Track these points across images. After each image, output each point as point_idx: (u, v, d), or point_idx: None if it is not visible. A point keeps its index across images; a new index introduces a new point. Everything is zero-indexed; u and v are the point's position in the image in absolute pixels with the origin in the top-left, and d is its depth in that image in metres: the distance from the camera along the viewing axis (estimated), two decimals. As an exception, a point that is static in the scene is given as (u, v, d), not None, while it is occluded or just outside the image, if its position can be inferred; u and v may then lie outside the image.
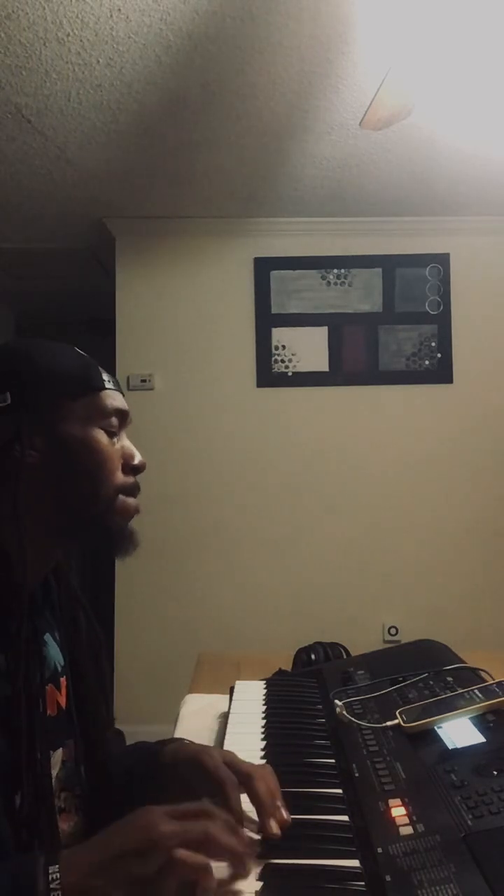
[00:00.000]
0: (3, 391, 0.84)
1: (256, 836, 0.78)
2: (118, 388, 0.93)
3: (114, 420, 0.90)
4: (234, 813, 0.77)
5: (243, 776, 0.83)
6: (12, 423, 0.83)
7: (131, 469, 0.92)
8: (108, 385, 0.91)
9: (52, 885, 0.62)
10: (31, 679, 0.81)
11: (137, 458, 0.93)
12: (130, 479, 0.92)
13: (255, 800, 0.81)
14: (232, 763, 0.85)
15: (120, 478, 0.90)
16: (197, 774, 0.85)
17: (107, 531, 0.90)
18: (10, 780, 0.76)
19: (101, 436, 0.89)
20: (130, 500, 0.91)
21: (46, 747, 0.83)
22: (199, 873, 0.64)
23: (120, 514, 0.90)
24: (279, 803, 0.81)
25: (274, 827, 0.78)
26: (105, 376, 0.91)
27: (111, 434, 0.90)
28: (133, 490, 0.92)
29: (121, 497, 0.90)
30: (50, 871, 0.63)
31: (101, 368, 0.92)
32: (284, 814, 0.80)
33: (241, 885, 0.70)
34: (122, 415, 0.92)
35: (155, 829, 0.66)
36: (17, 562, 0.81)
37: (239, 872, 0.70)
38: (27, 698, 0.78)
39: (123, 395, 0.94)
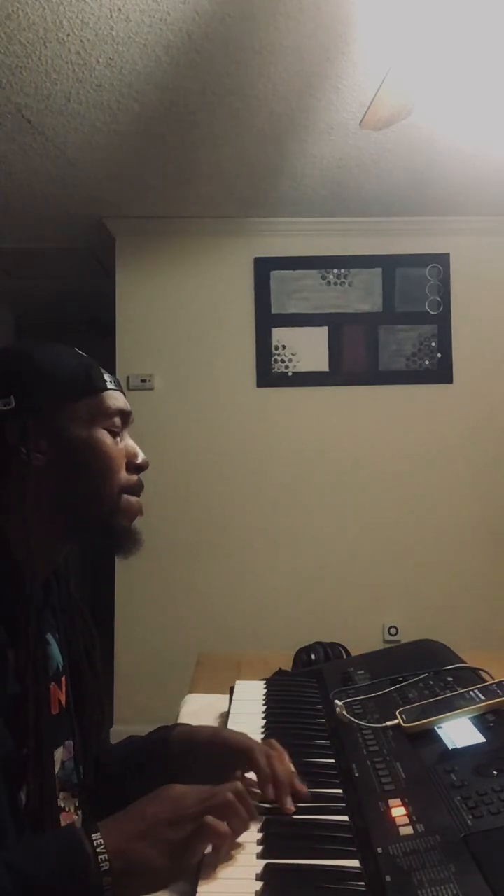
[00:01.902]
0: (6, 395, 0.85)
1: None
2: (120, 387, 0.94)
3: (116, 420, 0.91)
4: (263, 773, 0.86)
5: (266, 754, 0.89)
6: (17, 426, 0.84)
7: (135, 468, 0.93)
8: (109, 385, 0.92)
9: (98, 850, 0.67)
10: (39, 677, 0.81)
11: (141, 457, 0.94)
12: (134, 478, 0.93)
13: (274, 776, 0.87)
14: (251, 738, 0.93)
15: (124, 477, 0.91)
16: (217, 750, 0.92)
17: (111, 531, 0.91)
18: (16, 777, 0.77)
19: (105, 436, 0.89)
20: (134, 500, 0.93)
21: (51, 745, 0.83)
22: (223, 839, 0.72)
23: (124, 513, 0.91)
24: (295, 780, 0.87)
25: (290, 803, 0.84)
26: (107, 377, 0.92)
27: (114, 434, 0.91)
28: (137, 489, 0.93)
29: (125, 496, 0.91)
30: (94, 838, 0.68)
31: (102, 369, 0.92)
32: (301, 786, 0.86)
33: (241, 886, 0.70)
34: (125, 414, 0.93)
35: (182, 799, 0.74)
36: (24, 562, 0.82)
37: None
38: (35, 696, 0.79)
39: (125, 395, 0.95)
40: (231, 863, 0.73)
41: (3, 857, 0.66)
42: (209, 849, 0.73)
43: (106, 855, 0.67)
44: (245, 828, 0.76)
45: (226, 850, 0.73)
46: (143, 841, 0.69)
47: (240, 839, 0.76)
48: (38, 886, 0.65)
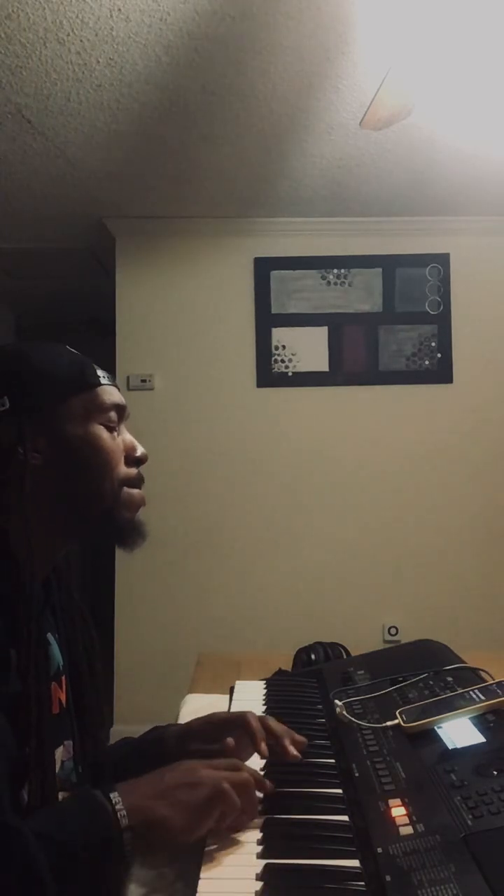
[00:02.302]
0: (0, 396, 0.85)
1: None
2: (114, 382, 0.95)
3: (112, 414, 0.91)
4: (257, 733, 0.91)
5: (258, 717, 0.95)
6: (14, 426, 0.84)
7: (134, 461, 0.94)
8: (103, 380, 0.92)
9: (117, 807, 0.71)
10: (40, 676, 0.81)
11: (140, 450, 0.94)
12: (134, 471, 0.93)
13: (270, 731, 0.93)
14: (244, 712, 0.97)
15: (123, 470, 0.92)
16: (216, 727, 0.95)
17: (115, 525, 0.91)
18: (18, 776, 0.77)
19: (102, 431, 0.90)
20: (136, 492, 0.93)
21: (52, 745, 0.84)
22: (234, 809, 0.76)
23: (126, 506, 0.92)
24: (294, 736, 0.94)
25: (293, 750, 0.91)
26: (100, 372, 0.92)
27: (111, 429, 0.91)
28: (137, 482, 0.94)
29: (126, 489, 0.92)
30: (112, 797, 0.72)
31: (95, 365, 0.93)
32: (298, 736, 0.94)
33: (241, 886, 0.70)
34: (121, 409, 0.93)
35: (199, 769, 0.78)
36: (24, 562, 0.82)
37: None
38: (37, 695, 0.79)
39: (119, 389, 0.95)
40: (231, 863, 0.73)
41: (29, 826, 0.68)
42: (212, 849, 0.74)
43: (125, 811, 0.71)
44: (251, 809, 0.80)
45: (227, 826, 0.77)
46: (159, 800, 0.74)
47: (241, 838, 0.77)
48: (66, 848, 0.68)
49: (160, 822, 0.72)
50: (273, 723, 0.94)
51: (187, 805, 0.74)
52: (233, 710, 1.22)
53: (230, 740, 0.89)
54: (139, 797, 0.73)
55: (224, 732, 0.93)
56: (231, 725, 0.94)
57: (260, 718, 0.95)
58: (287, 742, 0.91)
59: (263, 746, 0.90)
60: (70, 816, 0.72)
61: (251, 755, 0.93)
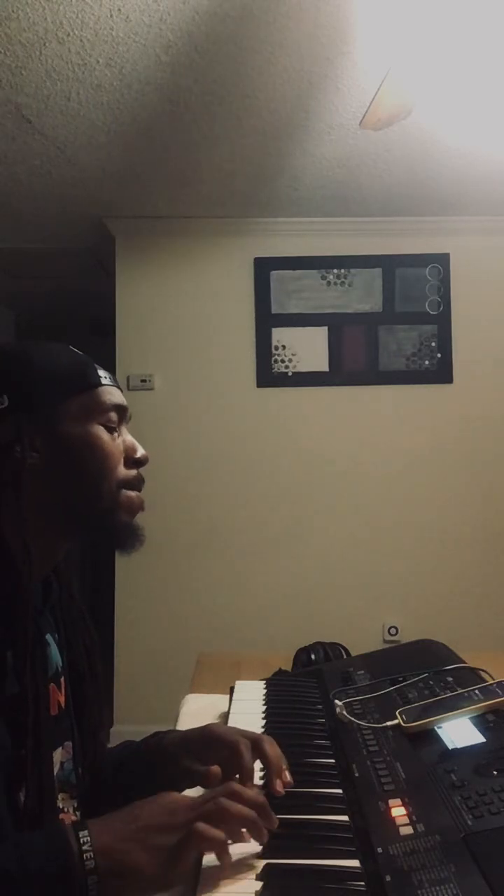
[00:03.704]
0: (0, 394, 0.84)
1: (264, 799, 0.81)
2: (115, 383, 0.93)
3: (113, 415, 0.90)
4: (246, 770, 0.85)
5: (253, 739, 0.89)
6: (12, 425, 0.84)
7: (134, 462, 0.92)
8: (104, 381, 0.91)
9: (84, 847, 0.66)
10: (38, 677, 0.81)
11: (140, 452, 0.93)
12: (133, 473, 0.92)
13: (265, 760, 0.87)
14: (240, 731, 0.91)
15: (123, 472, 0.91)
16: (209, 743, 0.91)
17: (112, 527, 0.90)
18: (15, 778, 0.76)
19: (102, 432, 0.89)
20: (134, 494, 0.92)
21: (49, 746, 0.83)
22: (215, 846, 0.70)
23: (125, 508, 0.90)
24: (284, 766, 0.87)
25: (280, 786, 0.84)
26: (101, 372, 0.91)
27: (111, 429, 0.90)
28: (137, 484, 0.92)
29: (124, 492, 0.90)
30: (80, 836, 0.67)
31: (96, 365, 0.92)
32: (288, 776, 0.86)
33: (241, 886, 0.70)
34: (121, 410, 0.92)
35: (176, 805, 0.72)
36: (23, 563, 0.82)
37: (256, 838, 0.74)
38: (34, 696, 0.79)
39: (121, 390, 0.94)
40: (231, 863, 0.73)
41: None
42: (213, 857, 0.71)
43: (91, 853, 0.66)
44: (245, 825, 0.73)
45: (227, 857, 0.70)
46: (131, 843, 0.68)
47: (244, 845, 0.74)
48: (23, 888, 0.64)
49: (130, 868, 0.67)
50: (269, 749, 0.88)
51: (161, 849, 0.68)
52: (233, 710, 1.22)
53: (215, 770, 0.82)
54: (110, 838, 0.68)
55: (217, 752, 0.88)
56: (224, 745, 0.88)
57: (255, 743, 0.88)
58: (275, 776, 0.85)
59: (277, 785, 0.84)
60: (34, 853, 0.67)
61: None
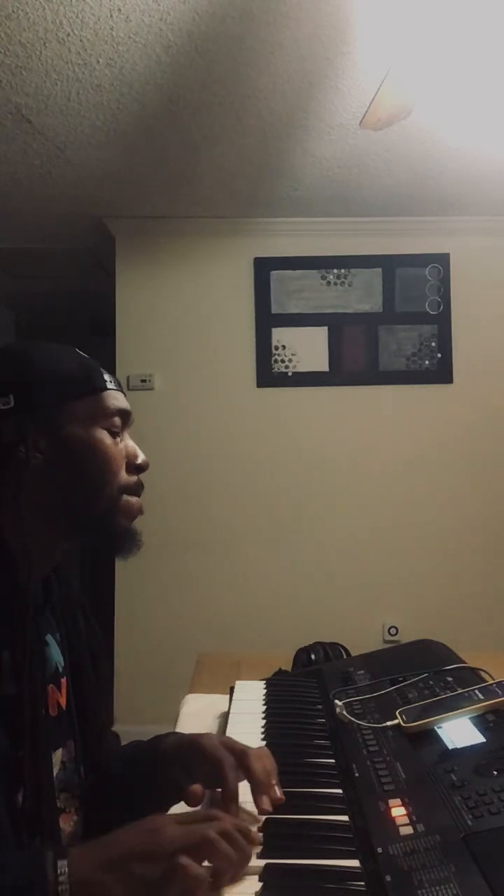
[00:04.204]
0: (6, 394, 0.84)
1: (256, 828, 0.78)
2: (120, 387, 0.94)
3: (116, 420, 0.90)
4: (230, 791, 0.81)
5: (239, 755, 0.85)
6: (16, 425, 0.84)
7: (135, 468, 0.93)
8: (109, 385, 0.91)
9: (60, 878, 0.64)
10: (35, 678, 0.81)
11: (141, 458, 0.93)
12: (134, 479, 0.92)
13: (250, 777, 0.83)
14: (228, 744, 0.87)
15: (124, 477, 0.91)
16: (196, 758, 0.87)
17: (110, 531, 0.90)
18: (12, 779, 0.76)
19: (105, 436, 0.89)
20: (134, 500, 0.92)
21: (48, 747, 0.83)
22: (197, 883, 0.65)
23: (124, 513, 0.91)
24: (274, 781, 0.83)
25: (266, 803, 0.80)
26: (107, 376, 0.92)
27: (114, 434, 0.90)
28: (137, 489, 0.93)
29: (125, 497, 0.91)
30: (59, 866, 0.65)
31: (102, 369, 0.92)
32: (278, 791, 0.82)
33: (242, 886, 0.70)
34: (125, 414, 0.92)
35: (161, 833, 0.68)
36: (21, 562, 0.82)
37: (234, 877, 0.71)
38: (31, 697, 0.79)
39: (125, 395, 0.94)
40: None
41: None
42: None
43: (67, 886, 0.63)
44: (234, 864, 0.70)
45: (214, 891, 0.67)
46: (109, 874, 0.65)
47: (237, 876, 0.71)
48: None
49: None
50: (254, 765, 0.83)
51: (141, 881, 0.65)
52: (233, 710, 1.22)
53: (196, 790, 0.79)
54: (89, 868, 0.65)
55: (203, 766, 0.86)
56: (208, 761, 0.85)
57: (240, 759, 0.84)
58: (260, 794, 0.81)
59: (264, 802, 0.80)
60: (7, 875, 0.65)
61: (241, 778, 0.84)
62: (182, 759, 0.90)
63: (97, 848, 0.68)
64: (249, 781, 0.83)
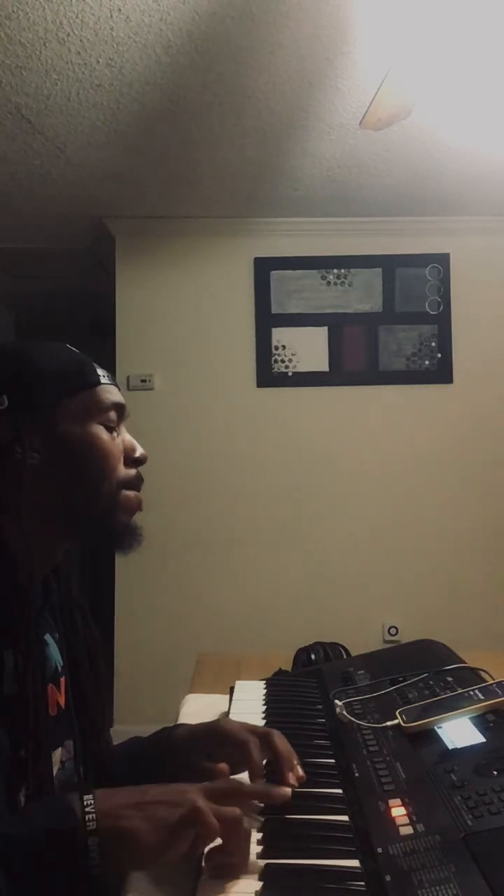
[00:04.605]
0: (0, 394, 0.84)
1: (258, 827, 0.79)
2: (114, 381, 0.93)
3: (112, 414, 0.90)
4: (255, 768, 0.84)
5: (263, 736, 0.88)
6: (11, 425, 0.83)
7: (133, 462, 0.92)
8: (103, 380, 0.91)
9: (87, 808, 0.67)
10: (36, 678, 0.81)
11: (139, 451, 0.93)
12: (133, 472, 0.92)
13: (276, 755, 0.86)
14: (250, 727, 0.90)
15: (122, 471, 0.90)
16: (218, 741, 0.89)
17: (111, 527, 0.90)
18: (15, 779, 0.76)
19: (101, 431, 0.89)
20: (133, 494, 0.92)
21: (48, 747, 0.83)
22: (209, 829, 0.69)
23: (124, 508, 0.90)
24: (295, 761, 0.86)
25: (293, 779, 0.84)
26: (100, 371, 0.91)
27: (110, 429, 0.90)
28: (136, 483, 0.92)
29: (124, 492, 0.90)
30: (85, 799, 0.68)
31: (95, 364, 0.92)
32: (300, 770, 0.85)
33: (241, 886, 0.70)
34: (120, 408, 0.92)
35: (185, 787, 0.73)
36: (21, 562, 0.82)
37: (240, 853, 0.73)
38: (33, 697, 0.79)
39: (119, 389, 0.94)
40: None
41: None
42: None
43: (94, 815, 0.67)
44: (242, 818, 0.73)
45: (221, 870, 0.71)
46: (133, 810, 0.69)
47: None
48: (24, 846, 0.64)
49: (129, 833, 0.67)
50: (279, 744, 0.88)
51: (162, 821, 0.68)
52: (233, 710, 1.22)
53: (223, 767, 0.82)
54: (114, 804, 0.69)
55: (225, 748, 0.88)
56: (233, 742, 0.88)
57: (265, 738, 0.88)
58: (287, 770, 0.85)
59: (290, 777, 0.84)
60: (36, 815, 0.69)
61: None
62: (199, 746, 0.91)
63: (121, 792, 0.72)
64: (276, 759, 0.86)
